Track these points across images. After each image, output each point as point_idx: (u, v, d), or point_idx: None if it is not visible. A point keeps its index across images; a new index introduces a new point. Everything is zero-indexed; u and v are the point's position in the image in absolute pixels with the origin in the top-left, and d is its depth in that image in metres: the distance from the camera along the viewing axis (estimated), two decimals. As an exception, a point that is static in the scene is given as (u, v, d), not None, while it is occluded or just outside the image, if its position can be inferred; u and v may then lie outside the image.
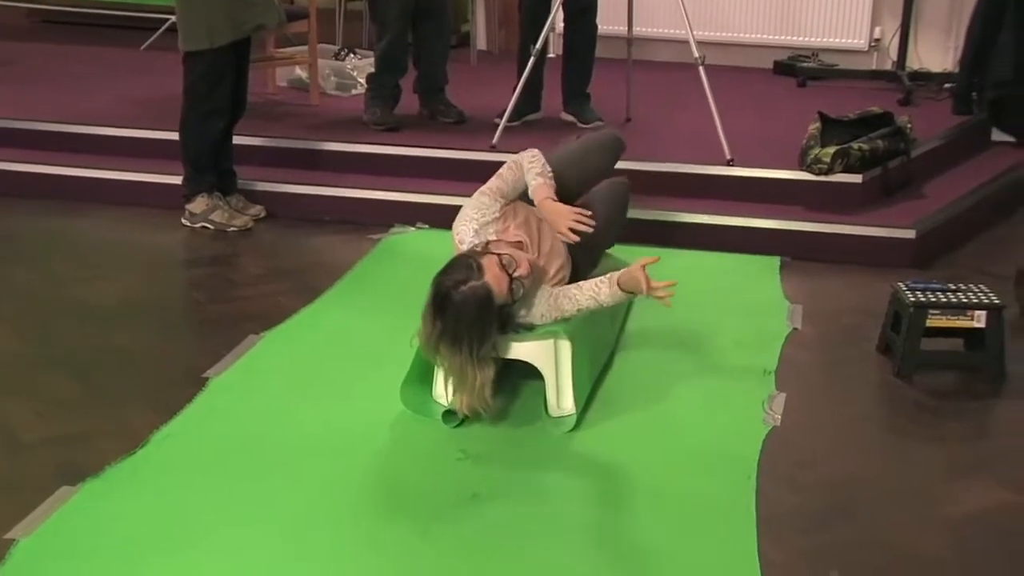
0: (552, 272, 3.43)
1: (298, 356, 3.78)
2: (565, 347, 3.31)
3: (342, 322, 4.06)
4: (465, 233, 3.43)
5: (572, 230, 3.41)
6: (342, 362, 3.74)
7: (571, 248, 3.55)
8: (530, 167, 3.53)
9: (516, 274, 3.19)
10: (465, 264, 3.19)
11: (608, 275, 3.36)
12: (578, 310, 3.36)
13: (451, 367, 3.18)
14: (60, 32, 7.92)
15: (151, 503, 2.90)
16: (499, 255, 3.20)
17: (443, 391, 3.37)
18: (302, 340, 3.91)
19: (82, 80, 6.50)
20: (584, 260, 3.65)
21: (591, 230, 3.44)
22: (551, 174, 3.53)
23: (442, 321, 3.12)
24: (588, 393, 3.43)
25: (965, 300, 3.67)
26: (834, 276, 4.54)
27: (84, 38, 7.66)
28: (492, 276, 3.15)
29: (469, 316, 3.11)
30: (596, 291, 3.35)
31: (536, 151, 3.55)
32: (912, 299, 3.66)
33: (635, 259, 3.36)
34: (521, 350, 3.34)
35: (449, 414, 3.30)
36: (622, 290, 3.33)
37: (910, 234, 4.64)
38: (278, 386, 3.57)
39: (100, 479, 2.98)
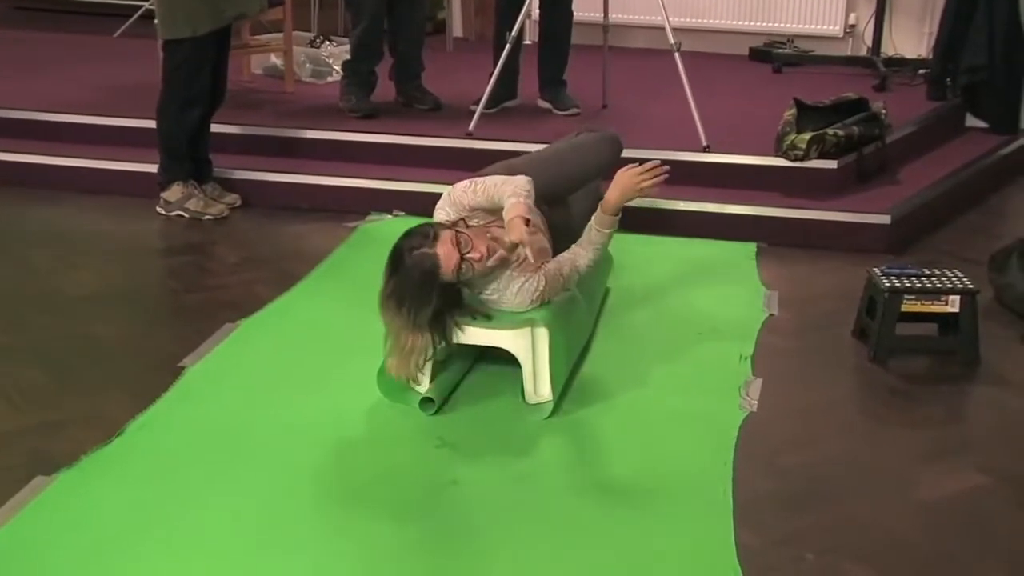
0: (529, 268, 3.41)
1: (275, 345, 3.78)
2: (542, 334, 3.31)
3: (319, 310, 4.05)
4: (441, 214, 3.47)
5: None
6: (319, 350, 3.74)
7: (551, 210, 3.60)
8: (515, 190, 3.45)
9: (468, 255, 3.19)
10: (424, 232, 3.23)
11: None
12: (570, 272, 3.40)
13: (390, 327, 3.22)
14: (32, 19, 7.86)
15: (127, 492, 2.89)
16: (458, 232, 3.21)
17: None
18: (278, 329, 3.90)
19: (54, 67, 6.46)
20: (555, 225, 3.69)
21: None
22: (532, 200, 3.42)
23: (391, 280, 3.19)
24: (565, 380, 3.43)
25: (939, 285, 3.68)
26: (810, 262, 4.56)
27: (57, 25, 7.61)
28: (443, 251, 3.17)
29: (412, 282, 3.16)
30: (576, 250, 3.45)
31: (530, 186, 3.42)
32: (887, 284, 3.67)
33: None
34: (498, 337, 3.34)
35: (427, 402, 3.30)
36: (610, 214, 3.41)
37: (885, 219, 4.66)
38: (255, 375, 3.56)
39: (75, 469, 2.97)
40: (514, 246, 3.25)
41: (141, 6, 7.23)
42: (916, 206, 4.84)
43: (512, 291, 3.34)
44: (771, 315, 4.03)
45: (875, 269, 3.81)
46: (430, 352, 3.26)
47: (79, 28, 7.49)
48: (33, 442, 3.11)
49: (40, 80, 6.16)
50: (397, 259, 3.20)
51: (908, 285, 3.67)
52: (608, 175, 3.70)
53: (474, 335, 3.35)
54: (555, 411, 3.30)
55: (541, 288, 3.36)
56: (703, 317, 4.00)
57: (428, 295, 3.18)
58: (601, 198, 3.62)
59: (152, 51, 4.76)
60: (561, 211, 3.77)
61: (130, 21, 7.34)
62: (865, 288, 3.83)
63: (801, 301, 4.17)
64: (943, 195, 5.04)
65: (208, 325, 3.85)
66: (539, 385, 3.33)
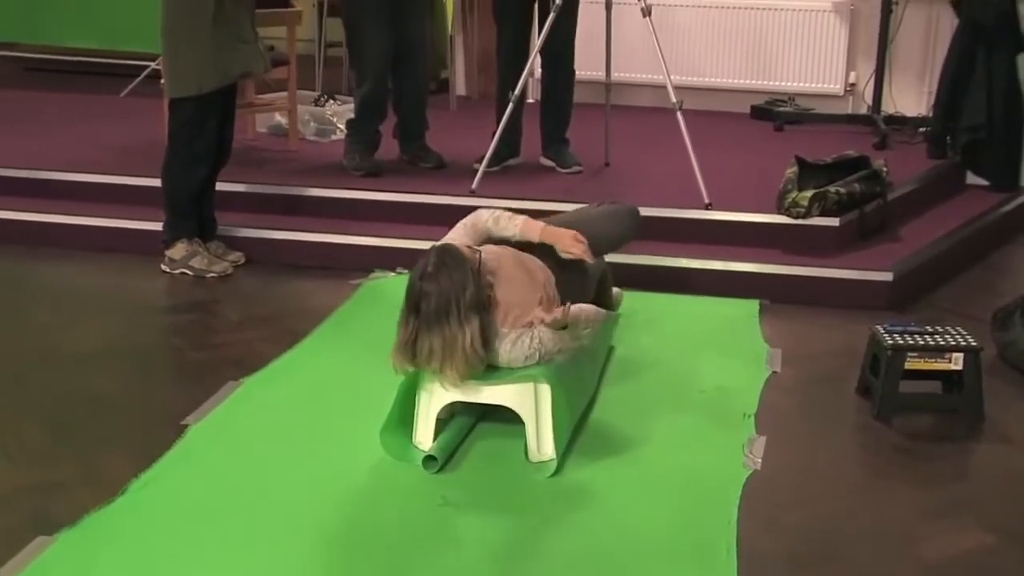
0: (527, 318, 3.41)
1: (278, 402, 3.77)
2: (545, 391, 3.31)
3: (322, 368, 4.05)
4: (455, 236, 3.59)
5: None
6: (322, 408, 3.73)
7: (559, 270, 3.63)
8: (498, 217, 3.57)
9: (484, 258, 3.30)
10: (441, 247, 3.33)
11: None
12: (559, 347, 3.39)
13: (438, 347, 3.19)
14: (42, 79, 7.93)
15: (129, 553, 2.87)
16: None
17: (424, 436, 3.38)
18: (282, 386, 3.90)
19: (61, 127, 6.51)
20: (573, 281, 3.72)
21: (589, 259, 3.64)
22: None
23: (423, 297, 3.20)
24: (569, 438, 3.42)
25: (943, 342, 3.68)
26: (812, 319, 4.56)
27: (65, 85, 7.68)
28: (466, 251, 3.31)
29: (447, 274, 3.20)
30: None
31: (492, 213, 3.66)
32: (890, 341, 3.67)
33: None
34: (501, 394, 3.34)
35: (430, 459, 3.29)
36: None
37: (887, 276, 4.67)
38: (258, 433, 3.55)
39: (77, 529, 2.95)
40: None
41: (148, 66, 7.29)
42: (918, 263, 4.85)
43: (505, 347, 3.34)
44: (774, 372, 4.02)
45: (878, 326, 3.81)
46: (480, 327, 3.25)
47: (87, 88, 7.55)
48: (34, 501, 3.10)
49: (47, 139, 6.20)
50: (419, 280, 3.22)
51: (911, 342, 3.67)
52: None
53: (477, 392, 3.35)
54: (559, 470, 3.29)
55: (536, 345, 3.34)
56: (706, 374, 3.99)
57: (467, 276, 3.22)
58: (604, 275, 3.90)
59: (158, 110, 4.81)
60: (576, 274, 3.79)
61: (137, 80, 7.41)
62: (868, 345, 3.83)
63: (804, 358, 4.17)
64: (945, 252, 5.05)
65: (211, 383, 3.86)
66: (542, 443, 3.33)
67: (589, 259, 3.70)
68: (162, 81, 4.85)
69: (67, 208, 5.38)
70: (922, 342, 3.68)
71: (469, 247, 3.41)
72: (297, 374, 4.00)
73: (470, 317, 3.19)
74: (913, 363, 3.66)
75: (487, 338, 3.25)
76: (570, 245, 3.64)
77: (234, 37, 4.73)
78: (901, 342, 3.67)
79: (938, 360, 3.67)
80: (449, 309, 3.17)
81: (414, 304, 3.23)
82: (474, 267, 3.27)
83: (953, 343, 3.68)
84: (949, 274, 5.01)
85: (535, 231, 3.68)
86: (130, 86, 7.42)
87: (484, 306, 3.26)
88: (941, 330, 3.76)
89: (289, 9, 5.95)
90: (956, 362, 3.66)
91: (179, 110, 4.78)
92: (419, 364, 3.25)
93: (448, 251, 3.29)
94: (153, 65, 7.05)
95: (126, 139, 6.18)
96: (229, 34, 4.70)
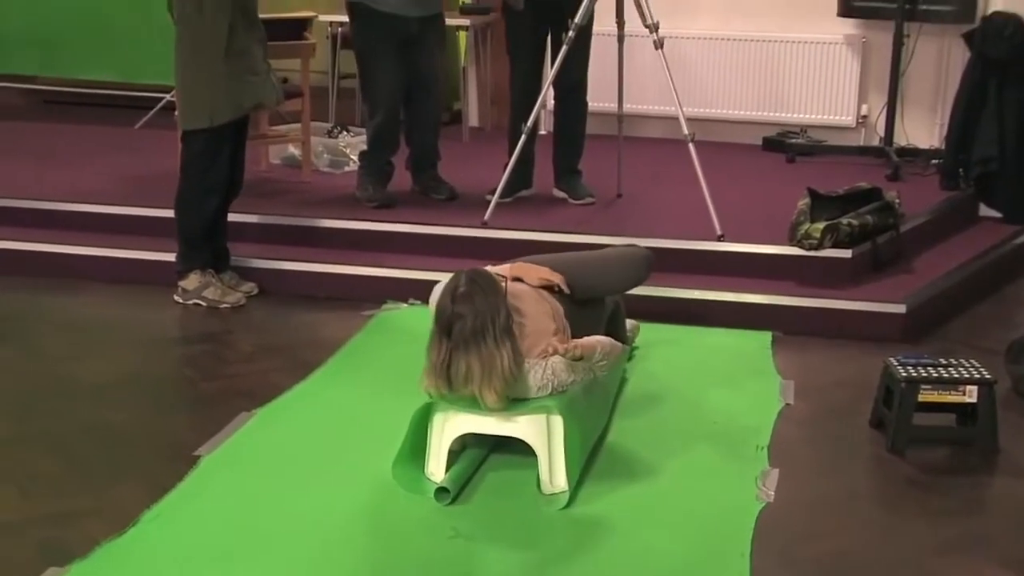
0: (540, 348, 3.42)
1: (290, 433, 3.77)
2: (557, 423, 3.30)
3: (334, 399, 4.05)
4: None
5: None
6: (334, 439, 3.73)
7: (571, 305, 3.63)
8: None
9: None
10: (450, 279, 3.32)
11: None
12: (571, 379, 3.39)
13: (476, 368, 3.18)
14: (58, 112, 7.98)
15: (140, 583, 2.87)
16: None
17: (436, 468, 3.37)
18: (294, 417, 3.90)
19: (77, 158, 6.54)
20: (585, 314, 3.72)
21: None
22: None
23: (457, 319, 3.19)
24: (581, 469, 3.41)
25: (956, 375, 3.67)
26: (825, 351, 4.55)
27: (81, 117, 7.72)
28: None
29: (481, 296, 3.22)
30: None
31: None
32: (903, 374, 3.66)
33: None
34: (513, 426, 3.34)
35: (442, 491, 3.28)
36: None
37: (900, 308, 4.66)
38: (270, 464, 3.55)
39: (88, 560, 2.95)
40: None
41: (162, 98, 7.34)
42: (931, 295, 4.84)
43: (531, 373, 3.34)
44: (787, 404, 4.01)
45: (891, 359, 3.80)
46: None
47: (102, 120, 7.59)
48: (46, 532, 3.10)
49: (63, 171, 6.23)
50: (451, 304, 3.22)
51: (925, 375, 3.66)
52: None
53: (489, 424, 3.34)
54: (571, 502, 3.28)
55: (549, 375, 3.34)
56: (719, 406, 3.98)
57: (499, 297, 3.25)
58: (617, 308, 3.95)
59: (172, 142, 4.83)
60: (589, 307, 3.80)
61: (151, 113, 7.45)
62: (881, 378, 3.81)
63: (817, 390, 4.16)
64: (958, 284, 5.04)
65: (224, 414, 3.86)
66: (554, 475, 3.32)
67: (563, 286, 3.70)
68: (176, 113, 4.88)
69: (81, 239, 5.40)
70: (936, 375, 3.67)
71: (499, 275, 3.42)
72: (309, 405, 4.00)
73: (504, 338, 3.20)
74: (927, 396, 3.65)
75: (518, 362, 3.25)
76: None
77: (246, 70, 4.76)
78: (915, 375, 3.66)
79: (952, 393, 3.66)
80: (485, 330, 3.17)
81: (446, 326, 3.22)
82: (503, 292, 3.28)
83: (967, 376, 3.67)
84: (962, 306, 5.00)
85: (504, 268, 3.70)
86: (144, 118, 7.46)
87: (513, 330, 3.26)
88: (955, 363, 3.75)
89: (303, 42, 5.98)
90: (970, 395, 3.65)
91: (192, 142, 4.81)
92: (455, 387, 3.24)
93: (480, 274, 3.30)
94: (168, 97, 7.09)
95: (140, 170, 6.21)
96: (241, 67, 4.74)
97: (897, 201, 5.08)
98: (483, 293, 3.22)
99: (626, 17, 5.30)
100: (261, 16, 4.91)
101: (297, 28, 5.97)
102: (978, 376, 3.67)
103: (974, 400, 3.65)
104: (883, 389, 3.79)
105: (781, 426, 3.84)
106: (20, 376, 4.26)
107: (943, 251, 5.35)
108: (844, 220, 4.86)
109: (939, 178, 6.04)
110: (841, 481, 3.50)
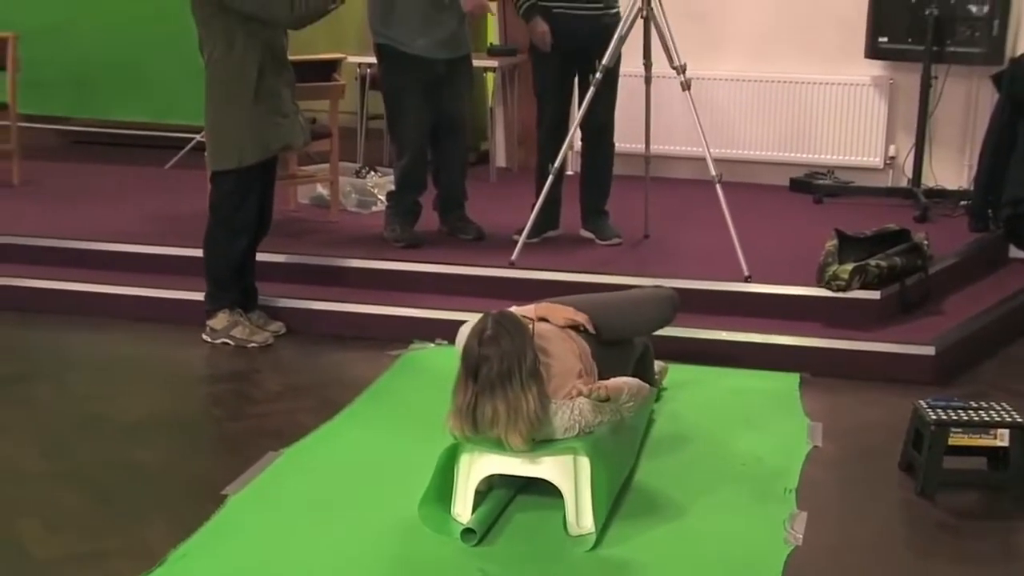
0: (566, 389, 3.41)
1: (317, 473, 3.77)
2: (584, 464, 3.29)
3: (361, 439, 4.05)
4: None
5: None
6: (361, 479, 3.73)
7: (597, 346, 3.62)
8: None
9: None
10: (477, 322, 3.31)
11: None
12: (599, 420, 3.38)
13: (502, 411, 3.18)
14: (89, 152, 8.06)
15: (166, 623, 2.87)
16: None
17: (462, 509, 3.36)
18: (321, 457, 3.90)
19: (107, 198, 6.60)
20: (613, 355, 3.71)
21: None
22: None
23: (484, 361, 3.19)
24: (608, 510, 3.40)
25: (987, 418, 3.64)
26: (854, 392, 4.52)
27: (112, 157, 7.80)
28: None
29: (507, 339, 3.21)
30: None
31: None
32: (933, 417, 3.63)
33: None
34: (540, 468, 3.33)
35: (468, 532, 3.27)
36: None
37: (930, 350, 4.63)
38: (297, 504, 3.55)
39: (116, 598, 2.96)
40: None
41: (192, 138, 7.41)
42: (961, 337, 4.81)
43: (558, 414, 3.33)
44: (815, 447, 3.99)
45: (921, 401, 3.77)
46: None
47: (133, 160, 7.67)
48: (74, 571, 3.11)
49: (92, 210, 6.28)
50: (477, 345, 3.23)
51: (955, 418, 3.63)
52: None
53: (516, 465, 3.34)
54: (598, 543, 3.26)
55: (576, 416, 3.33)
56: (747, 448, 3.96)
57: (527, 339, 3.26)
58: (646, 349, 3.92)
59: (202, 182, 4.88)
60: (616, 348, 3.80)
61: (182, 153, 7.52)
62: (911, 420, 3.78)
63: (846, 433, 4.13)
64: (988, 326, 5.01)
65: (251, 453, 3.86)
66: (581, 516, 3.31)
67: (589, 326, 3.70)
68: (205, 153, 4.93)
69: (111, 278, 5.44)
70: (966, 417, 3.64)
71: (524, 316, 3.43)
72: (336, 445, 4.00)
73: (530, 382, 3.19)
74: (957, 439, 3.62)
75: (544, 404, 3.24)
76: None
77: (275, 111, 4.80)
78: (945, 417, 3.63)
79: (983, 436, 3.62)
80: (512, 373, 3.17)
81: (472, 369, 3.22)
82: (530, 334, 3.28)
83: (998, 419, 3.64)
84: (993, 348, 4.96)
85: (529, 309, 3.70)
86: (175, 158, 7.52)
87: (540, 373, 3.26)
88: (986, 405, 3.72)
89: (332, 83, 6.03)
90: (1002, 438, 3.62)
91: (221, 182, 4.85)
92: (481, 430, 3.24)
93: (506, 317, 3.30)
94: (198, 137, 7.16)
95: (170, 210, 6.26)
96: (270, 108, 4.78)
97: (926, 243, 5.06)
98: (510, 336, 3.22)
99: (653, 59, 5.32)
100: (291, 58, 4.96)
101: (326, 70, 6.03)
102: (1010, 419, 3.63)
103: (1006, 444, 3.62)
104: (912, 432, 3.76)
105: (809, 468, 3.81)
106: (50, 413, 4.28)
107: (972, 293, 5.32)
108: (872, 262, 4.85)
109: (968, 220, 6.02)
110: (870, 525, 3.47)
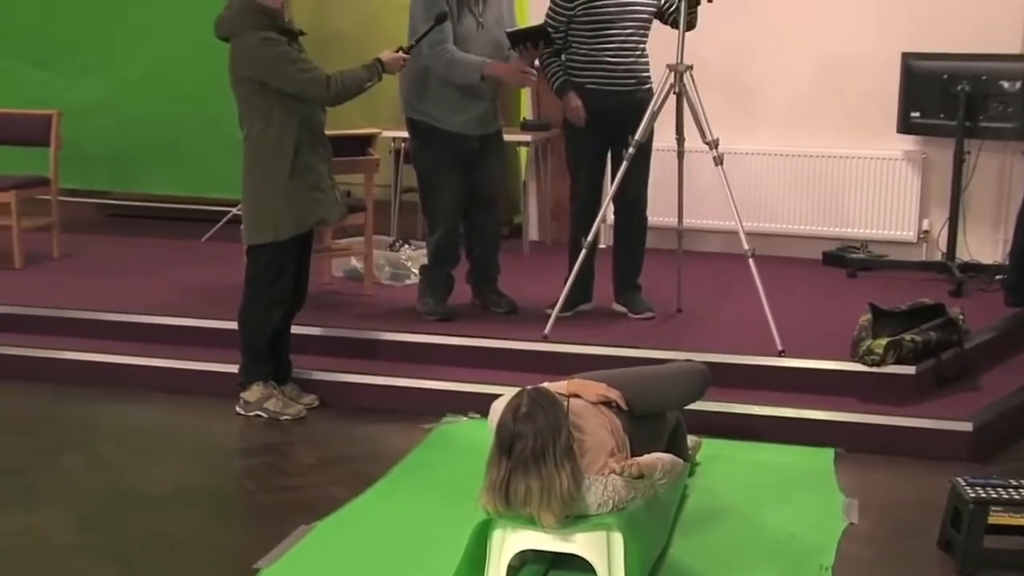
0: (599, 464, 3.40)
1: (349, 547, 3.76)
2: (617, 540, 3.27)
3: (394, 512, 4.04)
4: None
5: None
6: (394, 553, 3.71)
7: (630, 421, 3.60)
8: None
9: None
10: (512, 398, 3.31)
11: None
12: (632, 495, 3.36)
13: (536, 489, 3.17)
14: (127, 225, 8.17)
15: None
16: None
17: (495, 581, 3.35)
18: (353, 531, 3.89)
19: (144, 270, 6.67)
20: (646, 430, 3.70)
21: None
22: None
23: (518, 438, 3.18)
24: (642, 588, 3.37)
25: (1027, 496, 3.59)
26: (890, 469, 4.47)
27: (149, 230, 7.90)
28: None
29: (542, 416, 3.21)
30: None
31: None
32: (972, 495, 3.59)
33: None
34: (573, 544, 3.30)
35: (500, 607, 3.25)
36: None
37: (967, 427, 4.58)
38: (328, 578, 3.54)
39: (146, 673, 2.95)
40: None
41: (228, 211, 7.50)
42: (998, 413, 4.76)
43: (591, 490, 3.32)
44: (851, 524, 3.94)
45: (959, 479, 3.72)
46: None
47: (169, 233, 7.76)
48: (105, 644, 3.10)
49: (129, 282, 6.35)
50: (512, 422, 3.22)
51: (995, 496, 3.58)
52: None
53: (549, 541, 3.31)
54: (631, 621, 3.23)
55: (610, 492, 3.31)
56: (781, 525, 3.92)
57: (562, 416, 3.25)
58: (679, 424, 3.92)
59: (238, 254, 4.93)
60: (649, 423, 3.79)
61: (218, 226, 7.61)
62: (949, 498, 3.74)
63: (882, 509, 4.08)
64: (1026, 402, 4.96)
65: (283, 526, 3.86)
66: (615, 594, 3.28)
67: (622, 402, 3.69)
68: (242, 227, 4.98)
69: (147, 349, 5.48)
70: (1006, 496, 3.59)
71: (557, 392, 3.42)
72: (369, 518, 3.99)
73: (564, 461, 3.18)
74: (997, 518, 3.57)
75: (578, 482, 3.23)
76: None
77: (312, 186, 4.86)
78: (984, 495, 3.58)
79: None
80: (546, 451, 3.17)
81: (506, 445, 3.21)
82: (565, 411, 3.28)
83: (1038, 497, 3.59)
84: (1031, 425, 4.91)
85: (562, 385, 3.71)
86: (211, 231, 7.61)
87: (574, 451, 3.25)
88: (1025, 483, 3.67)
89: (367, 158, 6.10)
90: (1042, 517, 3.56)
91: (257, 256, 4.90)
92: (514, 506, 3.23)
93: (542, 393, 3.30)
94: (234, 211, 7.25)
95: (206, 282, 6.31)
96: (307, 184, 4.84)
97: (961, 317, 5.03)
98: (544, 413, 3.21)
99: (686, 134, 5.35)
100: (327, 132, 5.03)
101: (361, 144, 6.09)
102: (1050, 498, 3.58)
103: (1047, 523, 3.56)
104: (951, 510, 3.71)
105: (845, 545, 3.77)
106: (83, 485, 4.30)
107: (1009, 368, 5.27)
108: (907, 336, 4.82)
109: (1003, 294, 5.98)
110: (909, 604, 3.42)
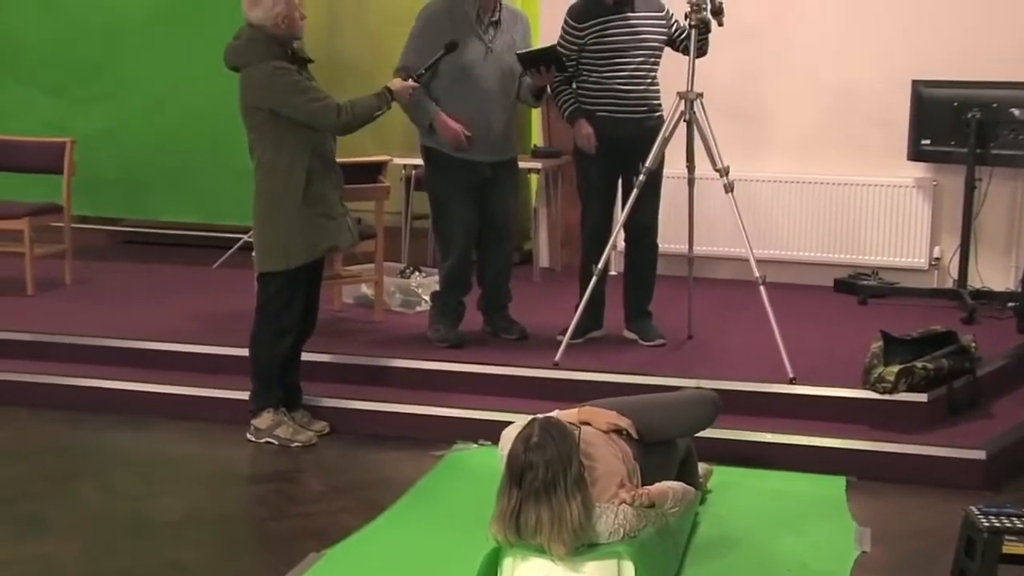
0: (610, 493, 3.39)
1: (359, 575, 3.74)
2: (628, 568, 3.26)
3: (404, 540, 4.03)
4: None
5: None
6: (402, 582, 3.70)
7: (641, 449, 3.60)
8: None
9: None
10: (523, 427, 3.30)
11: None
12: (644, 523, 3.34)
13: (546, 520, 3.17)
14: (139, 252, 8.20)
15: None
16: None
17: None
18: (364, 558, 3.88)
19: (155, 297, 6.68)
20: (656, 458, 3.69)
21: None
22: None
23: (529, 468, 3.18)
24: (652, 617, 3.35)
25: (1042, 525, 3.57)
26: (902, 497, 4.45)
27: (160, 257, 7.92)
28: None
29: (553, 446, 3.21)
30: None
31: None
32: (985, 524, 3.56)
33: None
34: (583, 572, 3.28)
35: (510, 637, 3.23)
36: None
37: (980, 455, 4.56)
38: (337, 606, 3.53)
39: None
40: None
41: (240, 238, 7.52)
42: (1012, 441, 4.73)
43: (603, 517, 3.31)
44: (863, 552, 3.92)
45: (972, 507, 3.70)
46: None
47: (181, 260, 7.78)
48: (115, 673, 3.09)
49: (140, 309, 6.36)
50: (523, 451, 3.22)
51: (1009, 525, 3.55)
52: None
53: (559, 570, 3.29)
54: (642, 651, 3.21)
55: (621, 521, 3.30)
56: (793, 553, 3.90)
57: (572, 445, 3.25)
58: (689, 452, 3.93)
59: (249, 281, 4.93)
60: (659, 452, 3.78)
61: (229, 253, 7.62)
62: (962, 527, 3.71)
63: (894, 538, 4.06)
64: (1040, 430, 4.93)
65: (293, 554, 3.85)
66: (626, 622, 3.26)
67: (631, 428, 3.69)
68: (253, 254, 4.99)
69: (157, 376, 5.48)
70: (1020, 525, 3.56)
71: (568, 421, 3.42)
72: (379, 546, 3.98)
73: (575, 491, 3.18)
74: (1011, 547, 3.53)
75: (588, 512, 3.22)
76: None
77: (323, 214, 4.87)
78: (998, 524, 3.55)
79: (1038, 544, 3.54)
80: (557, 481, 3.17)
81: (517, 475, 3.21)
82: (575, 441, 3.28)
83: (1053, 526, 3.56)
84: (1045, 453, 4.88)
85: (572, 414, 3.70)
86: (222, 258, 7.63)
87: (585, 480, 3.25)
88: (1039, 512, 3.65)
89: (378, 185, 6.12)
90: (1057, 546, 3.53)
91: (268, 283, 4.91)
92: (524, 536, 3.23)
93: (552, 423, 3.30)
94: (245, 238, 7.26)
95: (216, 309, 6.32)
96: (318, 211, 4.85)
97: (973, 344, 5.02)
98: (555, 443, 3.21)
99: (696, 161, 5.36)
100: (338, 160, 5.04)
101: (372, 171, 6.11)
102: (1065, 526, 3.56)
103: (1061, 551, 3.54)
104: (964, 539, 3.69)
105: (858, 574, 3.74)
106: (94, 513, 4.29)
107: (1022, 396, 5.24)
108: (919, 364, 4.81)
109: (1016, 321, 5.96)
110: (922, 634, 3.40)
